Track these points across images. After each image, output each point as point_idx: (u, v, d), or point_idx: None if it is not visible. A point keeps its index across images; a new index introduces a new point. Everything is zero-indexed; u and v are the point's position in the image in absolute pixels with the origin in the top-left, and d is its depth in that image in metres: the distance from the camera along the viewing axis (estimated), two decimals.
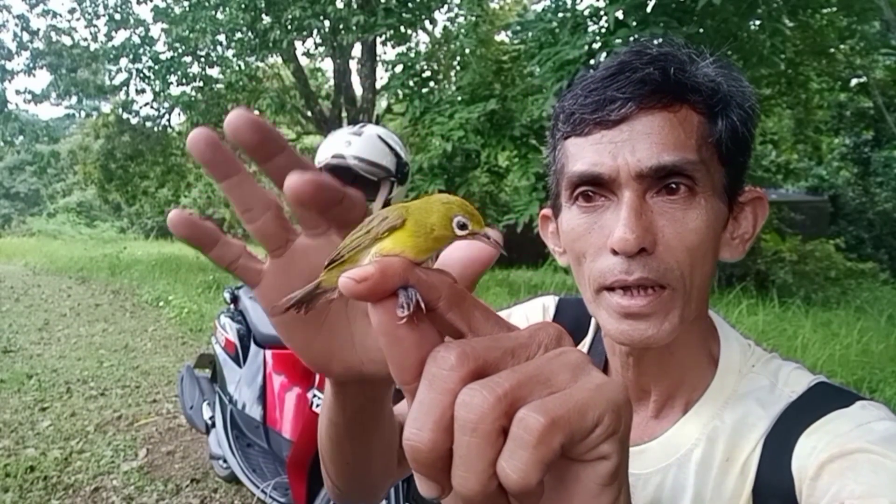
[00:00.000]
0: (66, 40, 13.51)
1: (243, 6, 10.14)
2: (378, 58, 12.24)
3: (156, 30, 15.74)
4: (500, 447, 0.28)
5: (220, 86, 12.22)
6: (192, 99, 12.12)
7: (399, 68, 8.74)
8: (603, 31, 6.06)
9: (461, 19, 9.96)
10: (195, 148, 0.41)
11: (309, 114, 12.90)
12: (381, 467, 0.68)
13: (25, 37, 13.60)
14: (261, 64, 12.27)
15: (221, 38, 11.12)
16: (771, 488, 0.64)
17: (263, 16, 10.42)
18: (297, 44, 12.04)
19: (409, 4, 10.58)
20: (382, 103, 13.33)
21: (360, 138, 2.13)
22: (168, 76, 11.84)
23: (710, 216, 0.67)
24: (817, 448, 0.61)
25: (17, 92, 14.56)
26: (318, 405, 2.41)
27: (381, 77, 11.99)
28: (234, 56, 11.64)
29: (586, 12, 6.40)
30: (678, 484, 0.70)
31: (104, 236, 22.78)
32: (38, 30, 13.64)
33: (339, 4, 10.41)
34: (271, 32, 10.20)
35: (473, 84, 8.32)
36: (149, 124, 13.61)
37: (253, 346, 3.33)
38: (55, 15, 13.64)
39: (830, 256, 10.55)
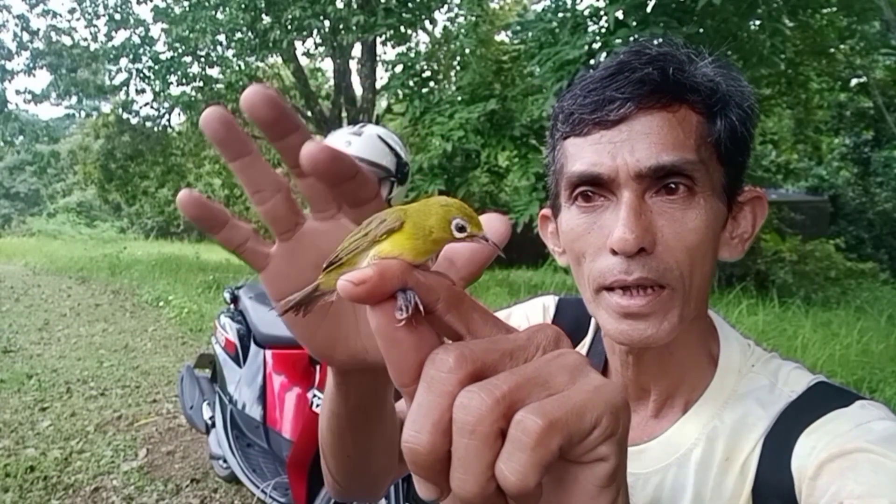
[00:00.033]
0: (66, 40, 13.53)
1: (243, 6, 10.14)
2: (378, 58, 12.25)
3: (156, 30, 15.75)
4: (499, 449, 0.28)
5: (220, 86, 12.22)
6: (192, 99, 12.12)
7: (399, 68, 8.75)
8: (603, 31, 6.06)
9: (461, 19, 9.96)
10: (208, 126, 0.41)
11: (309, 114, 12.89)
12: (382, 462, 0.68)
13: (25, 37, 13.62)
14: (261, 64, 12.28)
15: (221, 38, 11.13)
16: (770, 488, 0.64)
17: (263, 16, 10.42)
18: (297, 44, 12.05)
19: (409, 4, 10.58)
20: (382, 103, 13.34)
21: (360, 138, 2.13)
22: (168, 76, 11.84)
23: (710, 216, 0.67)
24: (817, 448, 0.61)
25: (17, 92, 14.59)
26: (318, 405, 2.41)
27: (381, 77, 12.00)
28: (234, 56, 11.64)
29: (586, 12, 6.40)
30: (678, 484, 0.70)
31: (104, 236, 22.77)
32: (38, 30, 13.67)
33: (339, 4, 10.41)
34: (271, 32, 10.20)
35: (473, 84, 8.33)
36: (149, 124, 13.62)
37: (253, 346, 3.33)
38: (55, 15, 13.65)
39: (830, 256, 10.55)
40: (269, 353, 3.23)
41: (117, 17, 12.90)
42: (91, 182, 16.54)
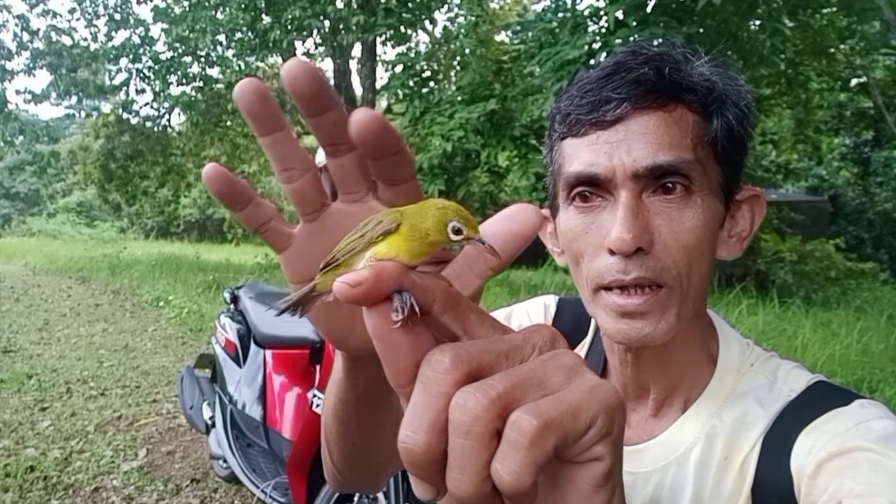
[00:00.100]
0: (66, 40, 13.53)
1: (243, 6, 10.15)
2: (378, 58, 12.25)
3: (156, 30, 15.77)
4: (494, 449, 0.28)
5: (220, 86, 12.23)
6: (192, 99, 12.13)
7: (399, 68, 8.76)
8: (603, 31, 6.07)
9: (461, 19, 9.97)
10: (244, 98, 0.39)
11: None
12: (386, 452, 0.68)
13: (25, 37, 13.63)
14: (261, 64, 12.28)
15: (221, 38, 11.14)
16: (770, 487, 0.64)
17: (263, 16, 10.43)
18: (297, 44, 12.04)
19: (409, 4, 10.59)
20: (382, 103, 13.33)
21: None
22: (168, 76, 11.85)
23: (707, 215, 0.67)
24: (816, 447, 0.61)
25: (17, 92, 14.61)
26: (318, 405, 2.41)
27: (381, 77, 12.00)
28: (234, 56, 11.65)
29: (586, 12, 6.41)
30: (677, 483, 0.70)
31: (104, 236, 22.78)
32: (38, 30, 13.68)
33: (339, 4, 10.42)
34: (271, 32, 10.21)
35: (473, 84, 8.34)
36: (149, 124, 13.62)
37: (253, 346, 3.33)
38: (55, 15, 13.66)
39: (830, 256, 10.55)
40: (269, 353, 3.24)
41: (117, 17, 12.91)
42: (91, 182, 16.51)
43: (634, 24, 5.76)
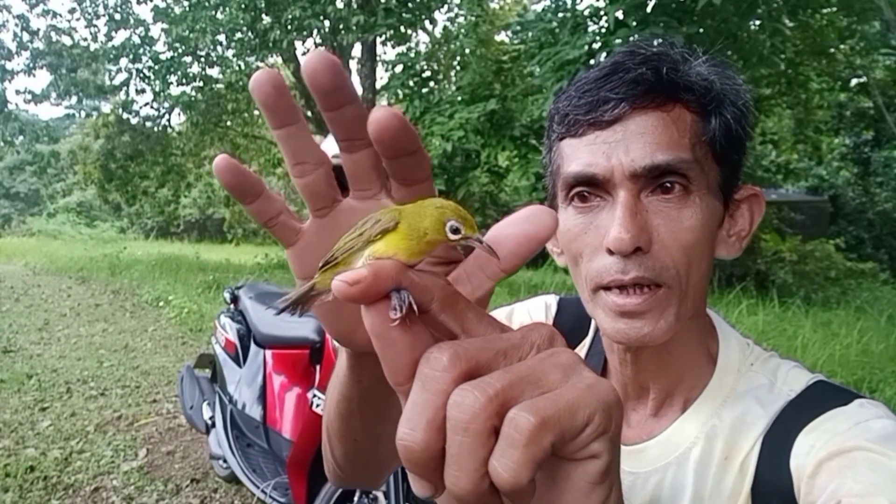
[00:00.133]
0: (66, 40, 13.55)
1: (243, 6, 10.15)
2: (378, 58, 12.25)
3: (156, 30, 15.78)
4: (492, 447, 0.28)
5: (220, 86, 12.24)
6: (192, 99, 12.14)
7: (399, 68, 8.76)
8: (603, 31, 6.07)
9: (461, 19, 9.98)
10: (260, 90, 0.39)
11: (309, 114, 12.89)
12: (388, 449, 0.68)
13: (25, 37, 13.65)
14: (261, 64, 12.28)
15: (221, 38, 11.14)
16: (770, 486, 0.64)
17: (263, 16, 10.43)
18: (297, 44, 12.06)
19: (409, 4, 10.59)
20: (382, 103, 13.33)
21: None
22: (168, 76, 11.86)
23: (706, 214, 0.67)
24: (815, 446, 0.61)
25: (17, 92, 14.64)
26: (318, 405, 2.41)
27: (381, 77, 12.01)
28: (234, 56, 11.66)
29: (586, 12, 6.41)
30: (677, 482, 0.70)
31: (104, 236, 22.79)
32: (38, 30, 13.69)
33: (339, 4, 10.42)
34: (271, 32, 10.21)
35: (473, 84, 8.34)
36: (149, 124, 13.63)
37: (253, 346, 3.33)
38: (55, 15, 13.67)
39: (830, 256, 10.56)
40: (269, 353, 3.24)
41: (117, 17, 12.92)
42: (91, 182, 16.52)
43: (634, 24, 5.76)
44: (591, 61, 5.66)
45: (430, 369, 0.30)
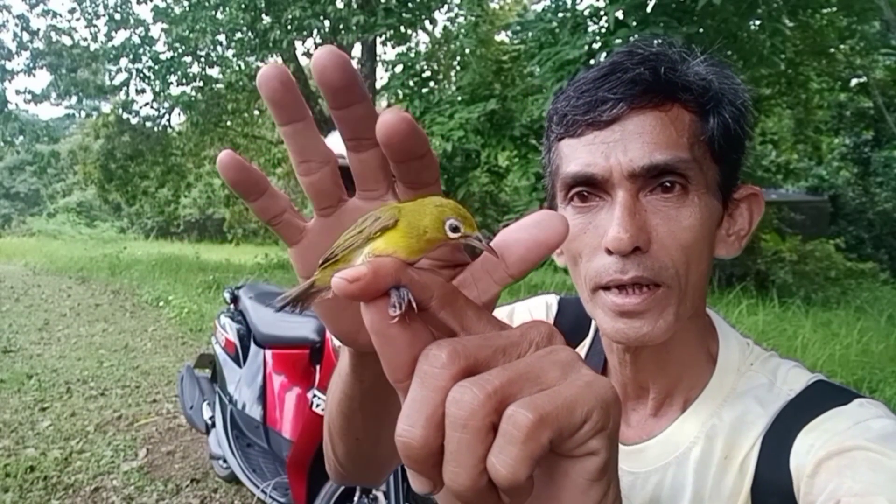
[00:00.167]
0: (66, 40, 13.55)
1: (243, 6, 10.15)
2: (378, 58, 12.25)
3: (156, 30, 15.79)
4: (491, 443, 0.28)
5: (220, 86, 12.23)
6: (192, 99, 12.13)
7: (399, 68, 8.76)
8: (603, 31, 6.07)
9: (461, 19, 9.98)
10: (267, 85, 0.38)
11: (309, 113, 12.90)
12: (389, 448, 0.68)
13: (25, 37, 13.64)
14: (261, 64, 12.28)
15: (221, 38, 11.14)
16: (769, 486, 0.64)
17: (263, 16, 10.43)
18: (297, 44, 12.06)
19: (409, 4, 10.59)
20: (382, 103, 13.34)
21: None
22: (168, 76, 11.85)
23: (704, 214, 0.67)
24: (815, 446, 0.62)
25: (17, 92, 14.64)
26: (318, 405, 2.42)
27: (381, 77, 12.01)
28: (234, 56, 11.65)
29: (586, 12, 6.40)
30: (677, 482, 0.70)
31: (104, 236, 22.79)
32: (38, 30, 13.69)
33: (339, 4, 10.42)
34: (271, 32, 10.21)
35: (473, 84, 8.34)
36: (149, 124, 13.63)
37: (253, 346, 3.33)
38: (55, 15, 13.67)
39: (830, 256, 10.56)
40: (269, 353, 3.24)
41: (117, 17, 12.91)
42: (91, 182, 16.52)
43: (634, 24, 5.76)
44: (591, 61, 5.66)
45: (429, 366, 0.30)
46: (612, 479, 0.32)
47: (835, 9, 7.90)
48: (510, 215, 6.76)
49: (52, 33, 13.49)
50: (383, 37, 11.33)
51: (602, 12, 6.21)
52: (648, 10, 5.89)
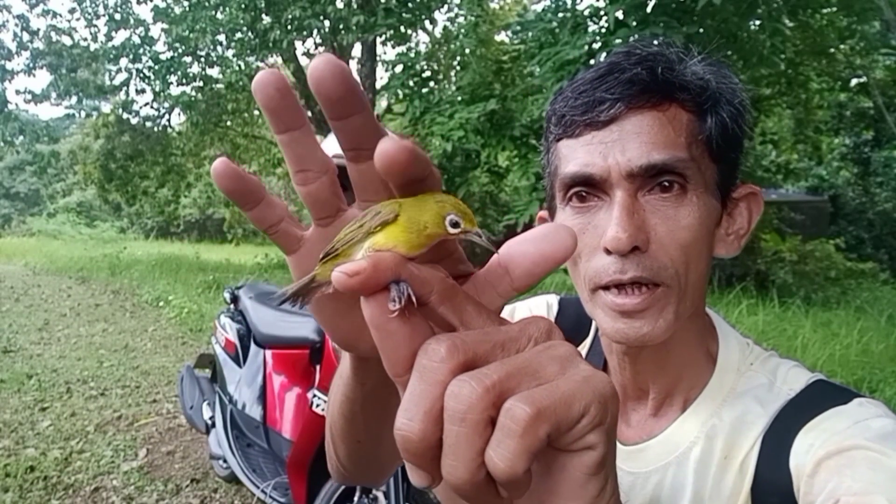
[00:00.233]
0: (66, 40, 13.54)
1: (243, 6, 10.15)
2: (378, 58, 12.26)
3: (156, 30, 15.80)
4: (489, 437, 0.29)
5: (220, 86, 12.23)
6: (192, 99, 12.14)
7: (399, 68, 8.75)
8: (603, 31, 6.06)
9: (461, 19, 9.97)
10: (262, 91, 0.37)
11: (309, 114, 12.76)
12: (391, 448, 0.68)
13: (25, 37, 13.64)
14: (261, 64, 12.29)
15: (221, 38, 11.14)
16: (769, 486, 0.64)
17: (263, 16, 10.43)
18: (297, 44, 12.07)
19: (409, 4, 10.59)
20: (382, 103, 13.34)
21: None
22: (168, 76, 11.85)
23: (703, 213, 0.67)
24: (815, 445, 0.62)
25: (17, 92, 14.63)
26: (318, 405, 2.42)
27: (381, 77, 12.02)
28: (234, 56, 11.65)
29: (586, 12, 6.40)
30: (677, 482, 0.70)
31: (104, 236, 22.81)
32: (38, 30, 13.68)
33: (339, 4, 10.42)
34: (271, 32, 10.21)
35: (473, 84, 8.33)
36: (149, 124, 13.63)
37: (253, 346, 3.33)
38: (55, 15, 13.67)
39: (830, 256, 10.56)
40: (269, 353, 3.24)
41: (117, 17, 12.91)
42: (91, 182, 16.53)
43: (634, 24, 5.76)
44: (591, 61, 5.66)
45: (427, 360, 0.30)
46: (609, 473, 0.33)
47: (835, 9, 7.90)
48: (510, 215, 6.74)
49: (52, 33, 13.49)
50: (383, 37, 11.33)
51: (602, 12, 6.20)
52: (648, 10, 5.88)
